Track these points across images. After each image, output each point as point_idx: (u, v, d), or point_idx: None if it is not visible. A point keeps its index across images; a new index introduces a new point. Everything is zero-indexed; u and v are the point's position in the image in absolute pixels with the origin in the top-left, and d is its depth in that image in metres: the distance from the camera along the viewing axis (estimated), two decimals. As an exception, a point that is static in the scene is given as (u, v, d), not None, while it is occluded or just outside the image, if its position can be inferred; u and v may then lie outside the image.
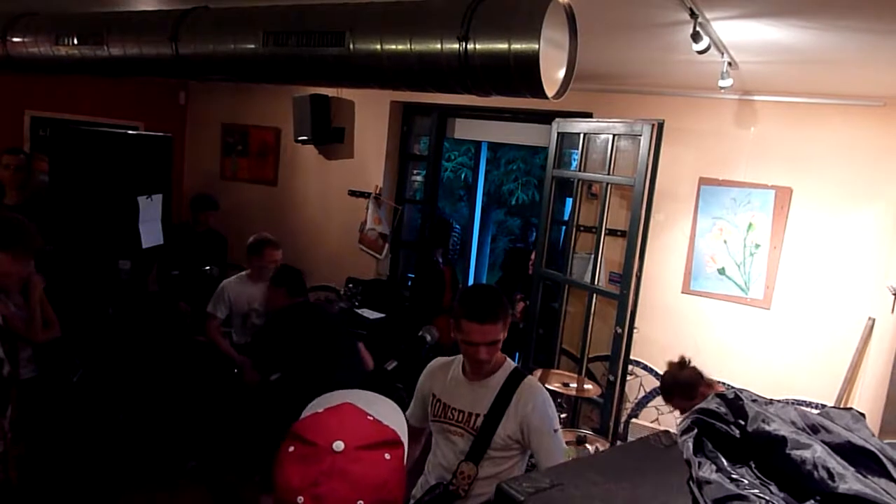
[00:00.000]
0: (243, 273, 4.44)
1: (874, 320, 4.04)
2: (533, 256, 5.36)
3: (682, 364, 3.03)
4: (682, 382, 2.96)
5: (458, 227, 6.95)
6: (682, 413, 3.05)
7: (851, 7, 2.38)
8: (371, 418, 1.09)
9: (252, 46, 2.77)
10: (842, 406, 2.47)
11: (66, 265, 4.17)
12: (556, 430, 2.29)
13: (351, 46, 2.52)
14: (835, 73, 3.59)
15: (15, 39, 3.56)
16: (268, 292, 3.91)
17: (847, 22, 2.55)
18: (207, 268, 4.99)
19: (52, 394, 3.54)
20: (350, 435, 1.02)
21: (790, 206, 4.37)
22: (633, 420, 5.01)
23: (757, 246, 4.48)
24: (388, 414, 1.16)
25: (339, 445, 1.00)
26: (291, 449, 1.02)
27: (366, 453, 1.02)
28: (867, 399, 3.69)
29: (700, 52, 2.82)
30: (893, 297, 3.27)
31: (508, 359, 2.41)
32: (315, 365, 3.40)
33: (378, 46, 2.47)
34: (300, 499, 0.97)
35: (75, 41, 3.30)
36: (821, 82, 3.96)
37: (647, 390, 4.93)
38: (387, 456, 1.04)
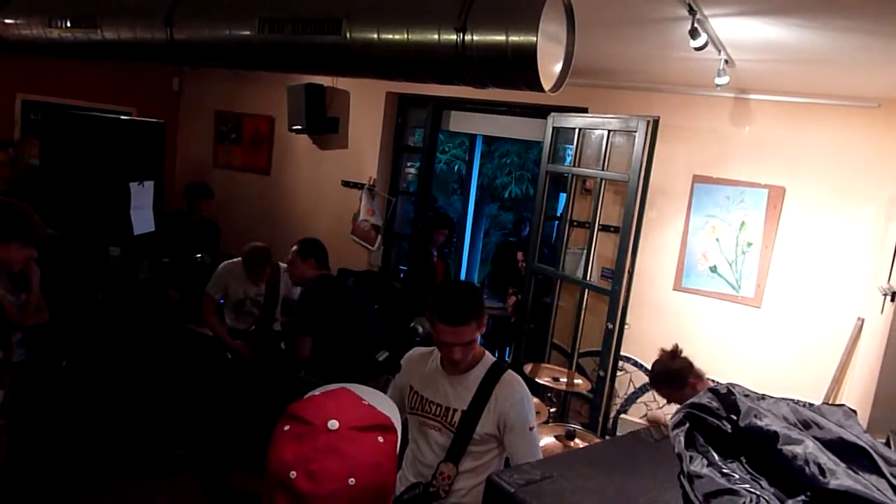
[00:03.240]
0: None
1: (863, 320, 4.07)
2: (519, 256, 5.36)
3: (674, 353, 3.01)
4: (673, 371, 2.94)
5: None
6: (668, 402, 3.06)
7: (849, 7, 2.38)
8: (366, 403, 1.10)
9: (247, 33, 2.75)
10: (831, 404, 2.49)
11: (57, 250, 4.14)
12: (531, 428, 2.27)
13: (347, 35, 2.51)
14: (830, 73, 3.60)
15: (7, 21, 3.53)
16: (295, 265, 3.91)
17: (844, 22, 2.55)
18: (199, 256, 4.96)
19: (41, 378, 3.52)
20: (345, 415, 1.03)
21: (783, 206, 4.38)
22: (623, 416, 5.02)
23: (749, 244, 4.50)
24: (382, 404, 1.16)
25: (333, 424, 1.01)
26: (287, 428, 1.03)
27: (360, 434, 1.03)
28: (855, 398, 3.71)
29: (697, 49, 2.82)
30: (883, 297, 3.29)
31: (487, 353, 2.39)
32: (362, 329, 3.74)
33: (375, 35, 2.45)
34: (293, 474, 0.98)
35: (68, 24, 3.27)
36: (816, 82, 3.97)
37: (637, 386, 4.95)
38: (380, 439, 1.05)
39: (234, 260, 4.43)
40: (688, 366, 2.96)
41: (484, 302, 2.32)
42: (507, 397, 2.26)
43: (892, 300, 3.06)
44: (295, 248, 3.94)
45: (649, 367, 4.82)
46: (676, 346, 3.03)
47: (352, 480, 0.99)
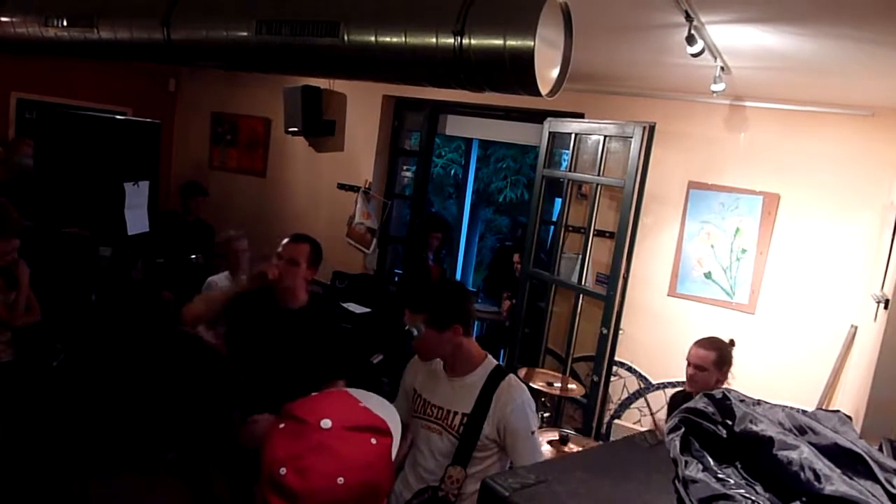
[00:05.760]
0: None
1: (857, 328, 4.07)
2: (515, 258, 5.36)
3: (732, 344, 3.26)
4: (728, 355, 3.18)
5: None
6: (692, 368, 3.21)
7: (845, 15, 2.39)
8: (362, 406, 1.11)
9: (244, 34, 2.74)
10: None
11: (49, 249, 4.11)
12: (532, 433, 2.27)
13: (345, 38, 2.50)
14: (825, 81, 3.62)
15: (2, 19, 3.51)
16: (297, 273, 3.14)
17: (840, 30, 2.56)
18: (193, 256, 4.94)
19: (30, 378, 3.50)
20: (339, 415, 1.05)
21: (777, 213, 4.39)
22: (616, 421, 5.02)
23: (743, 251, 4.51)
24: (379, 408, 1.16)
25: (326, 423, 1.02)
26: (282, 426, 1.05)
27: (352, 434, 1.04)
28: (848, 405, 3.71)
29: (694, 56, 2.83)
30: (877, 305, 3.29)
31: (489, 356, 2.38)
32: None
33: (372, 38, 2.45)
34: (283, 470, 0.99)
35: (65, 23, 3.25)
36: (811, 90, 3.99)
37: (631, 391, 4.95)
38: (373, 441, 1.05)
39: (221, 273, 4.39)
40: (731, 362, 3.20)
41: (459, 308, 2.27)
42: (508, 402, 2.26)
43: (886, 308, 3.06)
44: (304, 245, 3.19)
45: (644, 374, 4.86)
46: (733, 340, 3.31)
47: (341, 479, 0.99)
